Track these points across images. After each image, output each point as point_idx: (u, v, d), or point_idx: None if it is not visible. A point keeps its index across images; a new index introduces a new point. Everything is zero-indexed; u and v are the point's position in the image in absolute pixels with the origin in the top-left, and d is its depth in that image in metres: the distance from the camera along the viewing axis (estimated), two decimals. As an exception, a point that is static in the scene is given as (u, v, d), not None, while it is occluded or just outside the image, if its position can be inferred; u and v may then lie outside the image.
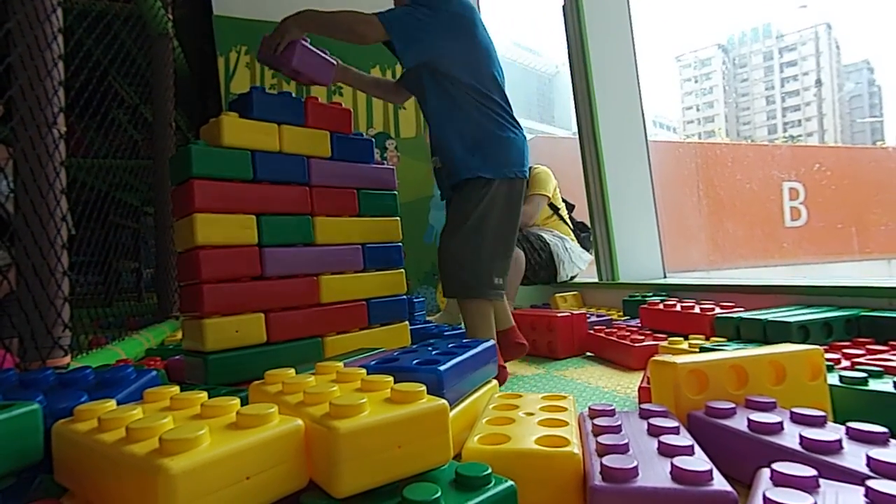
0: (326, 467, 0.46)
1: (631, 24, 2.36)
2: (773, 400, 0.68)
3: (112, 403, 0.54)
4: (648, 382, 0.91)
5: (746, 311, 1.33)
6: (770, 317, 1.17)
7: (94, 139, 2.59)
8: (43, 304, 1.00)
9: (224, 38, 2.69)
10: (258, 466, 0.44)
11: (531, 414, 0.70)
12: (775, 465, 0.48)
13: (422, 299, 2.15)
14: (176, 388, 0.58)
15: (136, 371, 0.69)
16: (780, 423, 0.60)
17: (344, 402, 0.47)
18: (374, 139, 1.32)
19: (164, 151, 2.40)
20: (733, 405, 0.67)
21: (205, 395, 0.55)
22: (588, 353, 1.55)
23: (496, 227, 1.24)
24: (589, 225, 2.51)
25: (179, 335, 2.04)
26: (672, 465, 0.51)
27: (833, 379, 0.78)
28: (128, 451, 0.42)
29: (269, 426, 0.46)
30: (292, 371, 0.65)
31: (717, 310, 1.41)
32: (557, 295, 2.25)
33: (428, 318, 2.14)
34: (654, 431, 0.62)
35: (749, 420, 0.62)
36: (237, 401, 0.51)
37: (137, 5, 2.15)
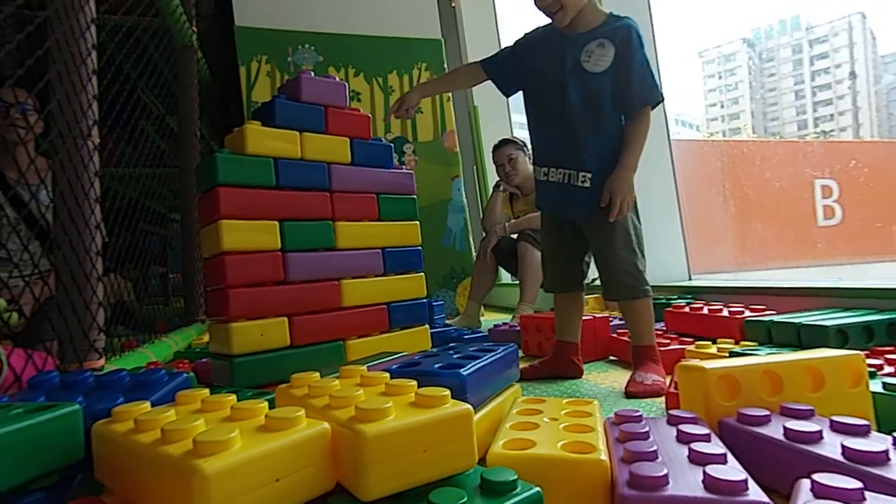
0: (353, 470, 0.46)
1: (651, 20, 2.34)
2: (810, 407, 0.65)
3: (147, 405, 0.56)
4: (676, 388, 0.90)
5: (778, 314, 1.31)
6: (805, 320, 1.14)
7: (123, 149, 2.67)
8: (80, 308, 1.04)
9: (245, 48, 2.75)
10: (287, 468, 0.44)
11: (555, 419, 0.70)
12: (816, 477, 0.46)
13: (441, 302, 2.16)
14: (206, 391, 0.60)
15: (168, 374, 0.71)
16: (820, 432, 0.58)
17: (370, 406, 0.48)
18: (392, 144, 1.33)
19: (189, 160, 2.46)
20: (767, 412, 0.65)
21: (234, 397, 0.56)
22: (611, 357, 1.53)
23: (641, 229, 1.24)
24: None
25: (205, 338, 2.09)
26: (704, 473, 0.50)
27: (876, 386, 0.75)
28: (163, 451, 0.43)
29: (297, 429, 0.47)
30: (317, 375, 0.66)
31: (747, 313, 1.38)
32: (579, 298, 2.23)
33: (447, 322, 2.14)
34: (683, 438, 0.61)
35: (785, 428, 0.59)
36: (265, 404, 0.52)
37: (164, 19, 2.21)
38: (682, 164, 2.52)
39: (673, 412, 0.70)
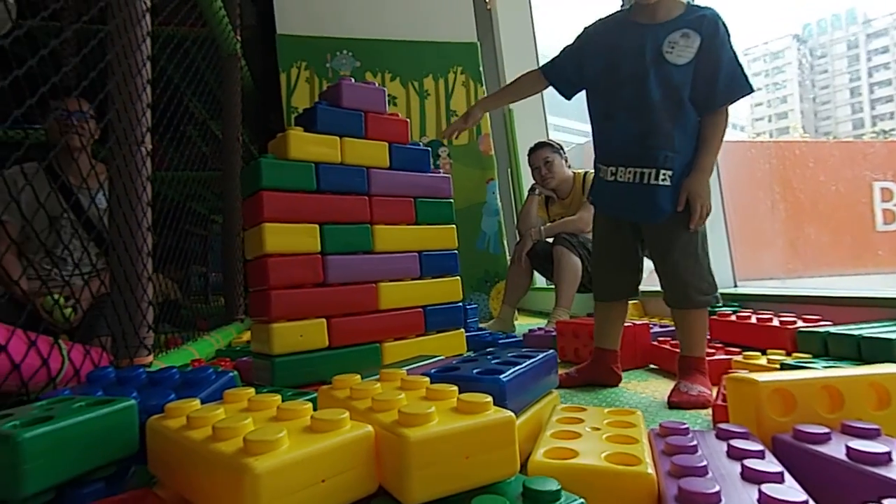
0: (396, 474, 0.47)
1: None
2: (876, 426, 0.62)
3: (197, 402, 0.58)
4: (724, 400, 0.86)
5: (835, 325, 1.24)
6: (866, 332, 1.08)
7: (170, 154, 2.78)
8: (131, 307, 1.09)
9: (286, 55, 2.83)
10: (333, 470, 0.45)
11: (597, 429, 0.69)
12: (887, 502, 0.44)
13: (474, 306, 2.15)
14: (252, 391, 0.61)
15: (215, 372, 0.73)
16: (888, 454, 0.54)
17: (413, 411, 0.48)
18: (427, 148, 1.34)
19: (232, 164, 2.54)
20: (827, 430, 0.62)
21: (279, 398, 0.57)
22: (651, 366, 1.49)
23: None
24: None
25: (245, 337, 2.14)
26: (760, 492, 0.48)
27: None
28: (215, 448, 0.45)
29: (342, 431, 0.47)
30: (358, 377, 0.67)
31: (800, 323, 1.32)
32: (617, 304, 2.18)
33: (481, 325, 2.14)
34: (735, 454, 0.59)
35: (848, 448, 0.56)
36: (310, 405, 0.53)
37: (211, 29, 2.29)
38: (727, 166, 2.44)
39: (723, 426, 0.68)
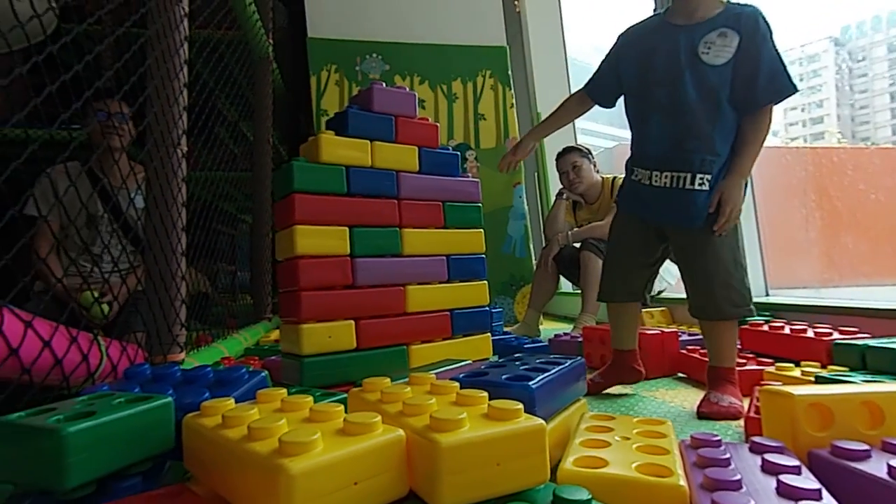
0: (428, 479, 0.47)
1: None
2: (920, 445, 0.60)
3: (231, 402, 0.59)
4: (756, 412, 0.84)
5: (873, 337, 1.20)
6: (907, 345, 1.04)
7: (203, 155, 2.85)
8: (165, 305, 1.12)
9: (316, 58, 2.87)
10: (365, 473, 0.46)
11: (627, 438, 0.68)
12: None
13: (499, 310, 2.14)
14: (284, 392, 0.62)
15: (248, 372, 0.75)
16: (932, 474, 0.53)
17: (445, 416, 0.49)
18: (457, 152, 1.34)
19: (263, 165, 2.59)
20: (867, 447, 0.60)
21: (311, 399, 0.58)
22: (680, 374, 1.47)
23: None
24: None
25: (272, 336, 2.18)
26: (796, 508, 0.47)
27: None
28: (251, 448, 0.46)
29: (374, 434, 0.48)
30: (388, 380, 0.68)
31: (836, 335, 1.28)
32: (644, 311, 2.16)
33: (506, 329, 2.13)
34: (770, 469, 0.58)
35: (890, 466, 0.54)
36: (342, 407, 0.54)
37: (244, 33, 2.34)
38: (760, 172, 2.38)
39: (757, 439, 0.66)
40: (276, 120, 2.85)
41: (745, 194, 1.08)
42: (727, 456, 0.61)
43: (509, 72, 3.05)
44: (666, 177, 1.08)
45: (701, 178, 1.05)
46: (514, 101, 3.04)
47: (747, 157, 1.05)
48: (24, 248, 0.73)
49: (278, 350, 1.60)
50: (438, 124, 1.31)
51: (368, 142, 1.15)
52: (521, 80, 3.68)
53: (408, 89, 1.27)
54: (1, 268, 0.68)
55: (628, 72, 1.17)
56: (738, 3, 1.07)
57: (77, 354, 0.86)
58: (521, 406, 0.53)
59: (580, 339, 1.67)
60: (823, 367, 1.16)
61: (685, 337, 1.63)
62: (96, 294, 1.42)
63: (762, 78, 1.02)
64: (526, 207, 2.97)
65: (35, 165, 0.90)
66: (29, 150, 0.75)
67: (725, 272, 1.08)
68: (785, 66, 1.03)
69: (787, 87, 1.02)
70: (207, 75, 1.95)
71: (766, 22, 1.03)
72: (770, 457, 0.59)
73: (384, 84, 1.24)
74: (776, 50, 1.03)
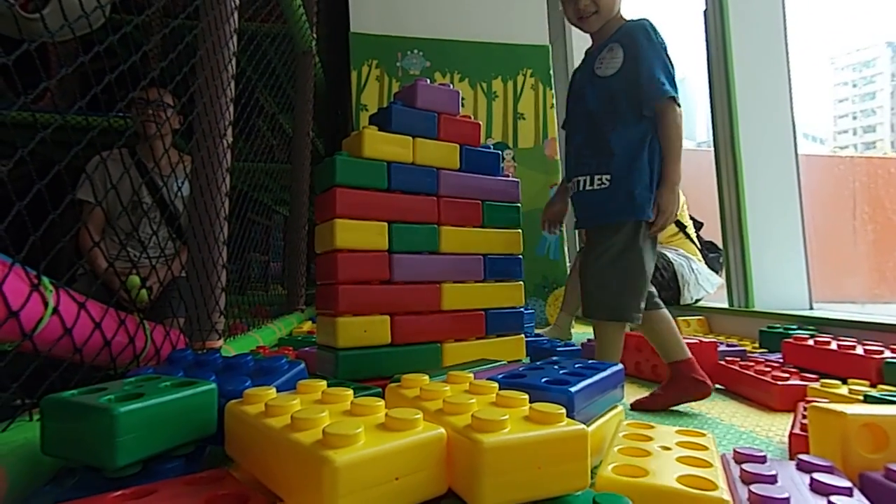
0: (468, 479, 0.47)
1: (785, 24, 2.16)
2: (977, 471, 0.57)
3: (273, 391, 0.60)
4: (802, 429, 0.81)
5: (926, 356, 1.14)
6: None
7: (239, 145, 2.91)
8: (206, 292, 1.15)
9: (358, 54, 2.89)
10: (406, 468, 0.46)
11: (668, 448, 0.66)
12: None
13: (531, 311, 2.12)
14: (324, 383, 0.63)
15: (288, 362, 0.76)
16: None
17: (487, 417, 0.48)
18: (498, 151, 1.33)
19: (302, 158, 2.62)
20: (924, 471, 0.57)
21: (351, 392, 0.59)
22: (717, 386, 1.42)
23: None
24: (719, 245, 2.32)
25: (305, 327, 2.21)
26: (851, 532, 0.45)
27: None
28: (295, 438, 0.46)
29: (415, 431, 0.48)
30: (426, 377, 0.68)
31: (887, 353, 1.22)
32: (680, 319, 2.10)
33: (537, 331, 2.11)
34: (820, 489, 0.55)
35: (948, 493, 0.52)
36: (382, 402, 0.54)
37: (289, 25, 2.38)
38: (808, 181, 2.30)
39: (804, 457, 0.64)
40: (316, 113, 2.89)
41: (677, 199, 1.11)
42: (773, 472, 0.59)
43: (551, 71, 3.01)
44: (573, 183, 1.19)
45: (600, 179, 1.13)
46: (554, 101, 3.00)
47: (667, 162, 1.11)
48: (70, 229, 0.76)
49: (312, 341, 1.63)
50: (481, 123, 1.30)
51: (411, 138, 1.16)
52: (563, 79, 3.63)
53: (450, 86, 1.27)
54: (49, 247, 0.70)
55: (567, 104, 1.28)
56: (632, 19, 1.15)
57: (124, 337, 0.89)
58: (563, 410, 0.52)
59: (614, 345, 1.64)
60: (873, 385, 1.10)
61: (724, 348, 1.58)
62: (140, 278, 1.47)
63: (643, 81, 1.10)
64: (561, 209, 2.93)
65: (88, 150, 0.93)
66: (88, 136, 0.78)
67: (601, 275, 1.13)
68: (661, 70, 1.09)
69: (659, 92, 1.08)
70: (251, 68, 1.99)
71: (649, 31, 1.11)
72: (820, 477, 0.57)
73: (428, 81, 1.24)
74: (656, 55, 1.10)
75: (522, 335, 1.31)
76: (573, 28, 4.02)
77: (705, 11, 2.25)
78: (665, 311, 1.22)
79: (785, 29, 2.18)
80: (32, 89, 0.72)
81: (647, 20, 1.14)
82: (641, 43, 1.10)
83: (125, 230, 1.64)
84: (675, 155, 1.11)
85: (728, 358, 1.45)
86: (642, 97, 1.10)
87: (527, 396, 0.56)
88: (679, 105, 1.11)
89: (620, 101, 1.12)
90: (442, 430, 0.49)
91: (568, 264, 2.80)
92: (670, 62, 1.12)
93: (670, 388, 1.17)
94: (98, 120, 1.89)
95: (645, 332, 1.24)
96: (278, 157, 3.00)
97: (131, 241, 1.66)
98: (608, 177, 1.12)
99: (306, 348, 1.45)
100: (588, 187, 1.15)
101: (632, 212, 1.10)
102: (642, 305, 1.15)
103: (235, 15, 1.24)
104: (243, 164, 2.98)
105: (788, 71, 2.18)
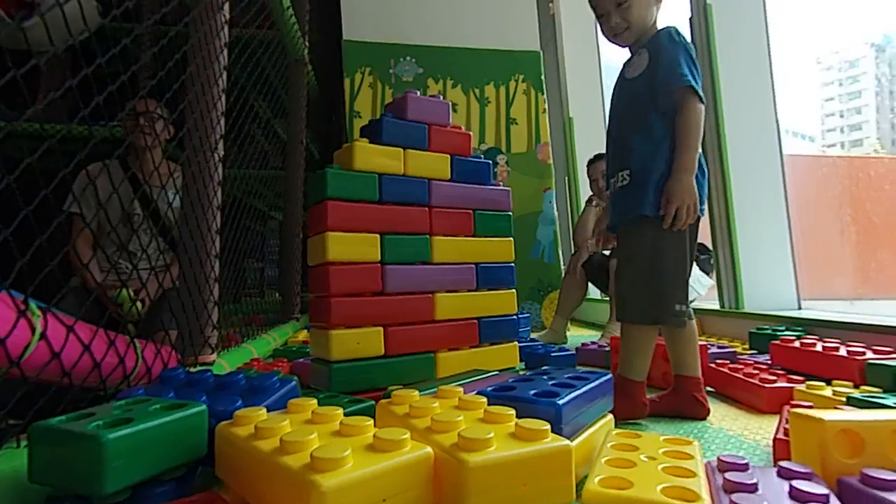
0: (454, 498, 0.48)
1: (767, 31, 2.19)
2: (954, 476, 0.58)
3: (263, 411, 0.61)
4: (786, 434, 0.83)
5: (908, 358, 1.16)
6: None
7: (232, 152, 2.91)
8: (199, 307, 1.15)
9: (351, 61, 2.90)
10: (394, 489, 0.47)
11: (653, 458, 0.67)
12: None
13: (527, 315, 2.13)
14: (314, 402, 0.64)
15: (279, 380, 0.77)
16: (968, 507, 0.52)
17: (472, 435, 0.49)
18: (489, 161, 1.34)
19: (295, 166, 2.63)
20: (898, 476, 0.59)
21: (341, 411, 0.60)
22: (708, 388, 1.43)
23: None
24: (709, 246, 2.34)
25: (300, 337, 2.21)
26: (825, 541, 0.46)
27: None
28: (283, 462, 0.47)
29: (403, 451, 0.49)
30: (416, 393, 0.69)
31: (870, 354, 1.24)
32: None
33: (533, 336, 2.12)
34: (798, 496, 0.57)
35: (923, 499, 0.54)
36: (371, 422, 0.55)
37: (281, 33, 2.38)
38: (794, 182, 2.33)
39: (785, 464, 0.65)
40: (309, 120, 2.90)
41: (692, 190, 1.08)
42: (754, 481, 0.60)
43: (542, 77, 3.03)
44: (610, 186, 1.20)
45: (622, 174, 1.13)
46: (546, 106, 3.02)
47: (682, 153, 1.09)
48: (59, 243, 0.75)
49: (306, 352, 1.63)
50: (471, 132, 1.32)
51: (402, 150, 1.17)
52: (554, 84, 3.65)
53: (441, 95, 1.28)
54: (37, 262, 0.69)
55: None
56: (661, 28, 1.17)
57: (114, 357, 0.89)
58: (548, 426, 0.53)
59: (607, 349, 1.65)
60: (856, 386, 1.12)
61: (714, 350, 1.59)
62: (131, 292, 1.46)
63: (662, 72, 1.11)
64: (556, 213, 2.95)
65: (81, 163, 0.91)
66: (90, 144, 0.78)
67: (631, 274, 1.12)
68: (681, 64, 1.09)
69: (678, 79, 1.08)
70: (245, 76, 1.99)
71: (672, 34, 1.14)
72: (798, 484, 0.58)
73: (418, 91, 1.25)
74: (677, 52, 1.11)
75: (516, 343, 1.32)
76: (564, 34, 4.03)
77: (691, 19, 2.27)
78: (692, 322, 1.18)
79: (767, 36, 2.22)
80: (21, 98, 0.71)
81: (673, 26, 1.15)
82: (664, 44, 1.12)
83: (116, 243, 1.64)
84: (687, 144, 1.08)
85: (718, 360, 1.46)
86: (660, 86, 1.10)
87: (513, 412, 0.58)
88: (702, 101, 1.09)
89: (643, 100, 1.13)
90: (429, 449, 0.50)
91: (562, 267, 2.82)
92: (694, 63, 1.11)
93: (669, 399, 1.17)
94: (81, 129, 1.88)
95: (665, 338, 1.21)
96: (272, 163, 3.00)
97: (123, 254, 1.66)
98: (627, 172, 1.13)
99: (301, 360, 1.45)
100: (616, 187, 1.16)
101: (649, 205, 1.08)
102: (679, 308, 1.10)
103: (226, 29, 1.25)
104: (237, 171, 2.98)
105: (772, 76, 2.21)
